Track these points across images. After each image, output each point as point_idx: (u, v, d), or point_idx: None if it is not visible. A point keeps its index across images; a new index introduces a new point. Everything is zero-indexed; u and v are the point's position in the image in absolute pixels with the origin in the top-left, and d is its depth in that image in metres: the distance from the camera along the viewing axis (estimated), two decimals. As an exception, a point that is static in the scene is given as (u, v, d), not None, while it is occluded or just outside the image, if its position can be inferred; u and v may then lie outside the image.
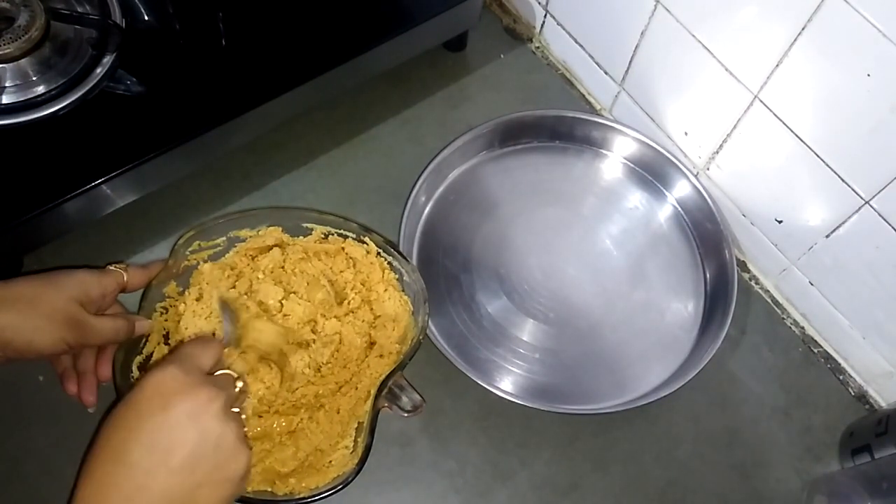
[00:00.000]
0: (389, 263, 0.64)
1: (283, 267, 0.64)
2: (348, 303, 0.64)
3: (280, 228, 0.65)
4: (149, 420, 0.43)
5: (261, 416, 0.59)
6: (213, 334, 0.61)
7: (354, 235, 0.65)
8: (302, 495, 0.54)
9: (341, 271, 0.65)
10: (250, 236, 0.64)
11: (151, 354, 0.60)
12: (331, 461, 0.57)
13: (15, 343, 0.51)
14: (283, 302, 0.62)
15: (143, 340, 0.59)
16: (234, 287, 0.63)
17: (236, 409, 0.47)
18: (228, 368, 0.50)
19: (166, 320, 0.61)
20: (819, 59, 0.55)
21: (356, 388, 0.61)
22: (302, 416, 0.59)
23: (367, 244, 0.64)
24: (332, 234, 0.65)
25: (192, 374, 0.45)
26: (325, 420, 0.59)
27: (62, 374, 0.58)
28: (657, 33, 0.68)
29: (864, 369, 0.68)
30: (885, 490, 0.55)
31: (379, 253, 0.64)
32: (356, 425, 0.59)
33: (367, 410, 0.57)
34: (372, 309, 0.64)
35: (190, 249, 0.62)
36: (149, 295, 0.60)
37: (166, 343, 0.61)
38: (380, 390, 0.56)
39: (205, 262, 0.63)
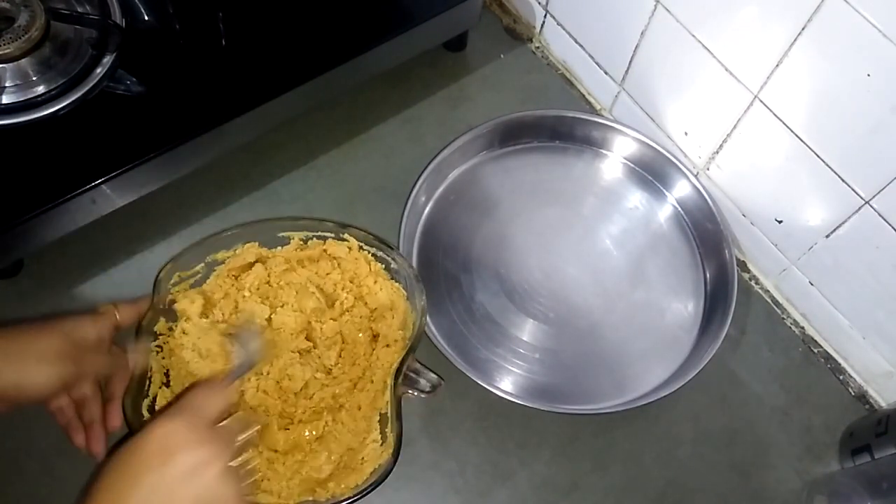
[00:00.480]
0: (374, 255, 0.64)
1: (268, 282, 0.64)
2: (341, 303, 0.64)
3: (256, 243, 0.65)
4: (148, 475, 0.43)
5: (287, 429, 0.59)
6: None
7: (333, 235, 0.65)
8: (346, 496, 0.55)
9: (328, 273, 0.65)
10: (228, 257, 0.64)
11: (157, 396, 0.59)
12: (363, 457, 0.58)
13: (1, 388, 0.49)
14: (271, 317, 0.62)
15: (147, 383, 0.59)
16: (209, 315, 0.62)
17: (238, 461, 0.47)
18: (236, 414, 0.50)
19: (164, 358, 0.61)
20: (819, 60, 0.55)
21: (372, 382, 0.61)
22: (326, 420, 0.59)
23: (348, 240, 0.64)
24: (311, 238, 0.65)
25: (197, 429, 0.46)
26: (349, 419, 0.59)
27: (66, 426, 0.56)
28: (657, 33, 0.68)
29: (864, 369, 0.68)
30: (885, 490, 0.55)
31: (361, 247, 0.64)
32: (378, 418, 0.59)
33: (388, 401, 0.57)
34: (366, 303, 0.64)
35: (171, 282, 0.62)
36: (141, 336, 0.59)
37: (166, 385, 0.60)
38: (396, 378, 0.57)
39: (186, 291, 0.63)
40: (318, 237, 0.65)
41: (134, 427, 0.55)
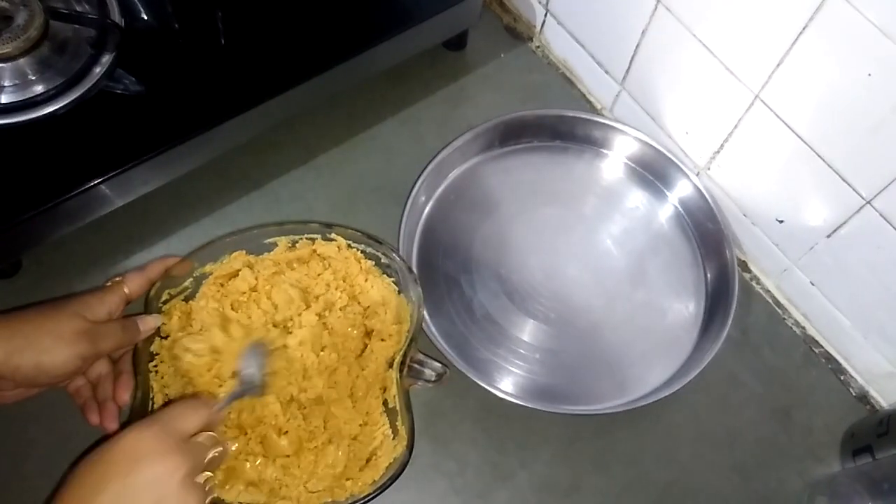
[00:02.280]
0: (363, 252, 0.64)
1: (255, 288, 0.63)
2: (334, 303, 0.64)
3: (243, 252, 0.64)
4: (113, 482, 0.44)
5: (286, 433, 0.58)
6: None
7: (318, 235, 0.64)
8: (365, 492, 0.55)
9: (318, 274, 0.64)
10: (215, 269, 0.63)
11: None
12: (376, 452, 0.58)
13: (23, 368, 0.50)
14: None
15: (151, 403, 0.58)
16: (189, 327, 0.62)
17: (205, 476, 0.47)
18: (216, 431, 0.50)
19: (162, 377, 0.60)
20: (820, 59, 0.55)
21: (363, 370, 0.61)
22: (322, 415, 0.59)
23: (336, 240, 0.64)
24: (299, 241, 0.65)
25: (167, 439, 0.46)
26: (341, 409, 0.59)
27: (83, 405, 0.57)
28: (658, 32, 0.68)
29: (865, 370, 0.68)
30: (886, 491, 0.55)
31: (349, 245, 0.64)
32: (384, 410, 0.60)
33: (396, 394, 0.57)
34: (359, 302, 0.64)
35: (162, 301, 0.61)
36: (140, 357, 0.59)
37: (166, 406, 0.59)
38: (401, 370, 0.57)
39: (176, 305, 0.62)
40: (308, 239, 0.65)
41: None
